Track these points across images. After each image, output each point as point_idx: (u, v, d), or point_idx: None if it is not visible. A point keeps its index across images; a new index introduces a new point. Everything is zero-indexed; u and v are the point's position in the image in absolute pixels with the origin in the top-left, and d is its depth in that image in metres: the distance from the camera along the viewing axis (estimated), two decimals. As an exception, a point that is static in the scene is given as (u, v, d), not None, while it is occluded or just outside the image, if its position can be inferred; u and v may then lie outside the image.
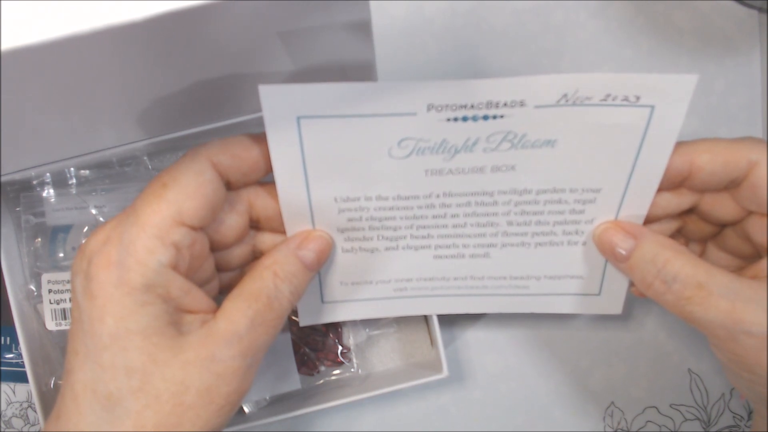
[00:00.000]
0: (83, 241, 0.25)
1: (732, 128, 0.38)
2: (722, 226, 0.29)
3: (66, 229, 0.35)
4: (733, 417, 0.38)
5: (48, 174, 0.33)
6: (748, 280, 0.25)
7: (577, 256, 0.30)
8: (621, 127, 0.25)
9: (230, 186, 0.26)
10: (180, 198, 0.23)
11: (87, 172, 0.34)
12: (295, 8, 0.20)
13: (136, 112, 0.27)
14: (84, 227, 0.34)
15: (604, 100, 0.24)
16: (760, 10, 0.36)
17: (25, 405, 0.38)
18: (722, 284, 0.25)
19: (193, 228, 0.24)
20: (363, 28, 0.23)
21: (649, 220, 0.28)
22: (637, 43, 0.38)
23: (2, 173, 0.31)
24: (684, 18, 0.37)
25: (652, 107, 0.24)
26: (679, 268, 0.25)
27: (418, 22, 0.38)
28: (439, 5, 0.38)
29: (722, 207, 0.27)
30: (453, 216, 0.28)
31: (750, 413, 0.38)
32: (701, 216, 0.29)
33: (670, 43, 0.38)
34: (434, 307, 0.32)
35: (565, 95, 0.23)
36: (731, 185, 0.26)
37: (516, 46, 0.38)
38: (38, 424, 0.36)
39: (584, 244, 0.29)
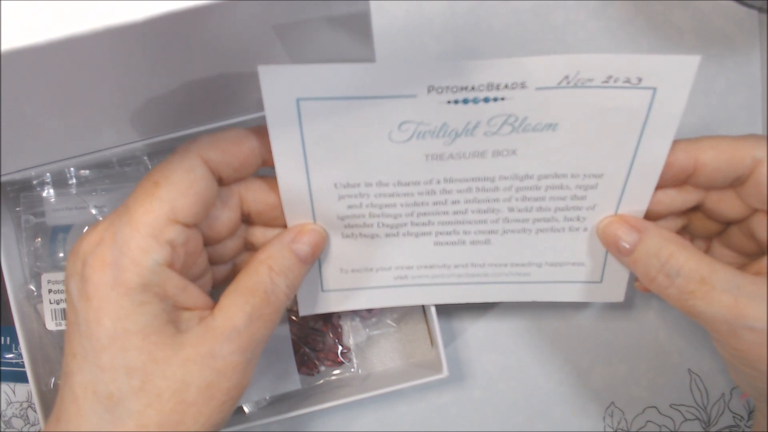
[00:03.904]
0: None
1: (732, 128, 0.38)
2: (727, 223, 0.29)
3: (66, 229, 0.35)
4: (733, 417, 0.38)
5: (48, 174, 0.33)
6: (751, 276, 0.25)
7: (578, 243, 0.29)
8: (623, 110, 0.25)
9: (221, 181, 0.26)
10: (173, 196, 0.23)
11: (87, 172, 0.34)
12: (295, 6, 0.20)
13: (136, 112, 0.27)
14: (84, 227, 0.34)
15: (606, 81, 0.24)
16: (760, 10, 0.36)
17: (25, 405, 0.38)
18: (725, 279, 0.25)
19: (187, 225, 0.24)
20: (363, 27, 0.23)
21: (653, 217, 0.28)
22: (637, 43, 0.38)
23: (2, 173, 0.31)
24: (684, 18, 0.37)
25: (654, 89, 0.24)
26: (683, 263, 0.25)
27: (418, 22, 0.38)
28: (439, 5, 0.38)
29: (727, 205, 0.27)
30: (454, 202, 0.28)
31: (750, 413, 0.38)
32: (706, 213, 0.29)
33: (670, 43, 0.38)
34: (435, 297, 0.32)
35: (566, 77, 0.23)
36: (736, 182, 0.26)
37: (516, 46, 0.38)
38: (38, 424, 0.36)
39: (585, 230, 0.29)
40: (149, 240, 0.22)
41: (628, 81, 0.24)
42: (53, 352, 0.34)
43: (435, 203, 0.28)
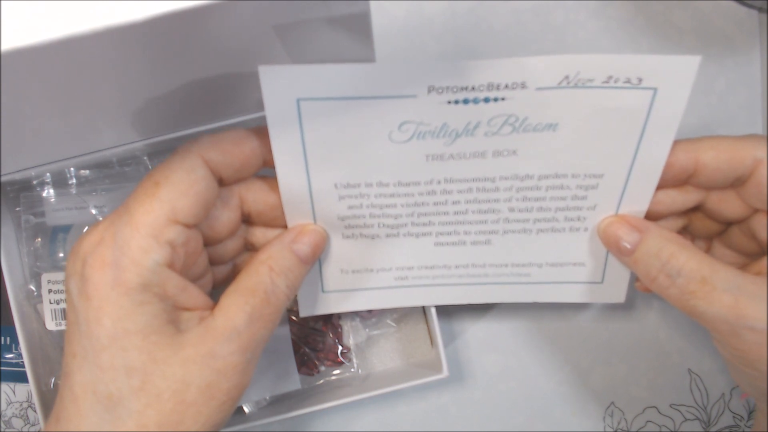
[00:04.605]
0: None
1: (732, 128, 0.38)
2: (728, 223, 0.29)
3: (66, 229, 0.35)
4: (733, 417, 0.38)
5: (48, 174, 0.33)
6: (752, 276, 0.25)
7: (579, 243, 0.29)
8: (623, 110, 0.25)
9: (222, 182, 0.26)
10: (173, 196, 0.23)
11: (87, 172, 0.34)
12: (295, 6, 0.20)
13: (136, 112, 0.27)
14: (84, 227, 0.34)
15: (606, 82, 0.24)
16: (760, 10, 0.36)
17: (25, 405, 0.38)
18: (726, 279, 0.25)
19: (187, 226, 0.24)
20: (363, 27, 0.23)
21: (654, 218, 0.28)
22: (637, 43, 0.38)
23: (2, 173, 0.31)
24: (684, 18, 0.37)
25: (655, 90, 0.24)
26: (684, 263, 0.25)
27: (418, 22, 0.38)
28: (439, 5, 0.38)
29: (728, 205, 0.27)
30: (454, 203, 0.28)
31: (750, 413, 0.38)
32: (707, 213, 0.29)
33: (670, 43, 0.38)
34: (436, 298, 0.32)
35: (566, 77, 0.23)
36: (737, 183, 0.26)
37: (516, 46, 0.38)
38: (38, 424, 0.36)
39: (586, 230, 0.29)
40: (149, 240, 0.22)
41: (628, 81, 0.24)
42: (53, 352, 0.34)
43: (435, 203, 0.28)
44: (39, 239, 0.35)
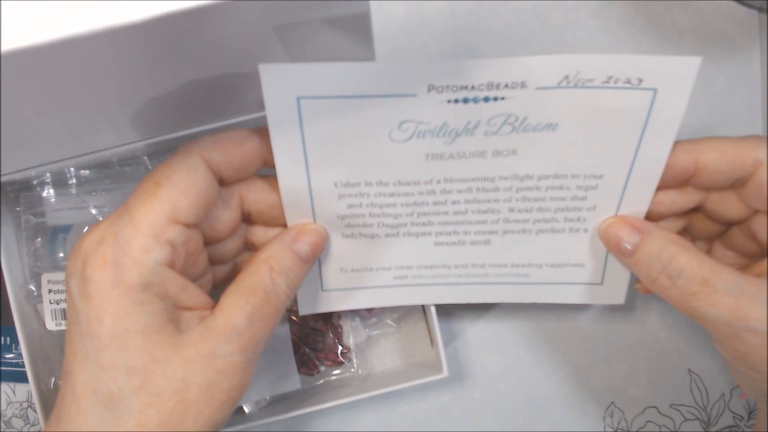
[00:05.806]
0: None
1: (732, 128, 0.38)
2: (728, 224, 0.29)
3: (66, 229, 0.35)
4: (733, 417, 0.38)
5: (48, 174, 0.33)
6: (753, 277, 0.25)
7: (578, 244, 0.29)
8: (623, 111, 0.25)
9: (222, 181, 0.26)
10: (174, 196, 0.23)
11: (87, 172, 0.34)
12: (295, 6, 0.20)
13: (136, 112, 0.27)
14: (84, 227, 0.34)
15: (606, 82, 0.24)
16: (760, 10, 0.36)
17: (25, 405, 0.38)
18: (727, 281, 0.25)
19: (188, 225, 0.24)
20: (363, 27, 0.23)
21: (654, 218, 0.28)
22: (637, 43, 0.38)
23: (2, 173, 0.31)
24: (684, 18, 0.37)
25: (655, 90, 0.24)
26: (685, 264, 0.25)
27: (418, 22, 0.38)
28: (439, 5, 0.38)
29: (728, 206, 0.27)
30: (454, 202, 0.28)
31: (750, 413, 0.38)
32: (707, 214, 0.29)
33: (670, 43, 0.38)
34: (435, 296, 0.32)
35: (566, 77, 0.23)
36: (737, 184, 0.26)
37: (516, 46, 0.38)
38: (38, 424, 0.36)
39: (586, 231, 0.29)
40: (150, 240, 0.22)
41: (628, 81, 0.24)
42: (53, 352, 0.35)
43: (435, 203, 0.28)
44: (39, 239, 0.35)
